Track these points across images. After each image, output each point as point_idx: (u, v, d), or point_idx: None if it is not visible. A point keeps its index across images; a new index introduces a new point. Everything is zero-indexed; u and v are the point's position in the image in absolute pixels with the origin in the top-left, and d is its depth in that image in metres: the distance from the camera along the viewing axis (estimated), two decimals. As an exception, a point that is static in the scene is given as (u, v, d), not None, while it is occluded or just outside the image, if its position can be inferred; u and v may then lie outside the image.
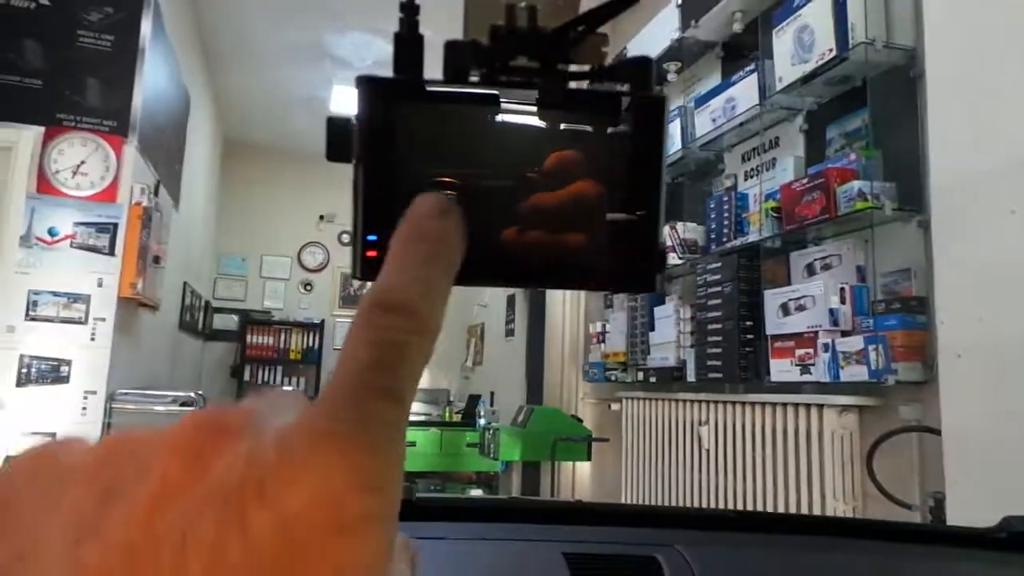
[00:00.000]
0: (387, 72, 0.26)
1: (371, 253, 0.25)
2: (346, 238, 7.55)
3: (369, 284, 0.22)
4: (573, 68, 0.27)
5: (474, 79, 0.27)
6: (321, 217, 7.49)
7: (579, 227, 0.26)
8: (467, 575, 0.53)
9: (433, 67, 0.27)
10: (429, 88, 0.26)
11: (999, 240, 1.66)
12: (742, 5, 2.97)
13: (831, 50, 2.32)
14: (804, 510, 2.47)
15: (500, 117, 0.27)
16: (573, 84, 0.28)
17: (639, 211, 0.27)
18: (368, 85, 0.26)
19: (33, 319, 3.16)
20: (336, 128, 0.26)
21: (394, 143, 0.26)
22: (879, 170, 2.26)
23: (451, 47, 0.27)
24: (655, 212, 0.27)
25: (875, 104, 2.32)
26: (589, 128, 0.27)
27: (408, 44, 0.26)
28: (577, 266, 0.27)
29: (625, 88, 0.27)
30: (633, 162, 0.27)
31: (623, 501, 3.69)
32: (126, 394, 3.34)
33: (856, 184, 2.21)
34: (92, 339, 3.23)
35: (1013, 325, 1.62)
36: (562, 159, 0.26)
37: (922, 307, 2.13)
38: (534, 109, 0.27)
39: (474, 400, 5.18)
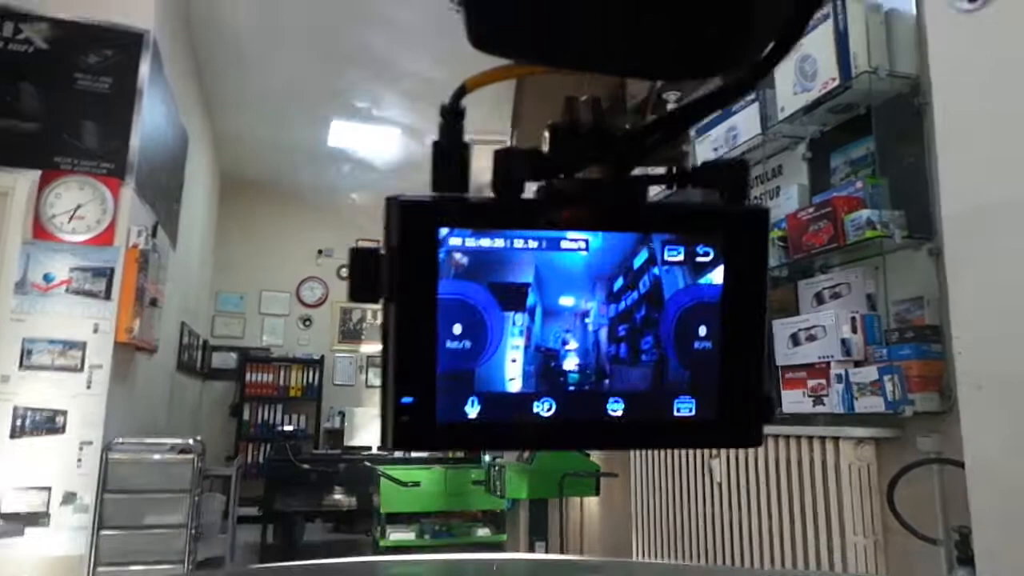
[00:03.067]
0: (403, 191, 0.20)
1: (407, 419, 0.20)
2: (345, 272, 7.53)
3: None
4: (650, 173, 0.22)
5: (530, 193, 0.21)
6: (319, 252, 7.47)
7: (670, 382, 0.21)
8: None
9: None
10: (477, 210, 0.20)
11: (1018, 268, 1.63)
12: (740, 35, 2.98)
13: (834, 79, 2.31)
14: (823, 545, 2.39)
15: (567, 243, 0.21)
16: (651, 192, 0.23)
17: (738, 350, 0.21)
18: (402, 209, 0.20)
19: (28, 368, 3.10)
20: (360, 260, 0.20)
21: (436, 279, 0.20)
22: (886, 198, 2.24)
23: (503, 156, 0.21)
24: (757, 350, 0.21)
25: (880, 132, 2.31)
26: (678, 252, 0.22)
27: (449, 155, 0.21)
28: (670, 424, 0.21)
29: (715, 197, 0.22)
30: (731, 290, 0.21)
31: (633, 537, 3.60)
32: (123, 443, 3.26)
33: (864, 213, 2.18)
34: (88, 387, 3.16)
35: (1038, 356, 1.57)
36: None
37: (936, 336, 2.09)
38: (609, 231, 0.21)
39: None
